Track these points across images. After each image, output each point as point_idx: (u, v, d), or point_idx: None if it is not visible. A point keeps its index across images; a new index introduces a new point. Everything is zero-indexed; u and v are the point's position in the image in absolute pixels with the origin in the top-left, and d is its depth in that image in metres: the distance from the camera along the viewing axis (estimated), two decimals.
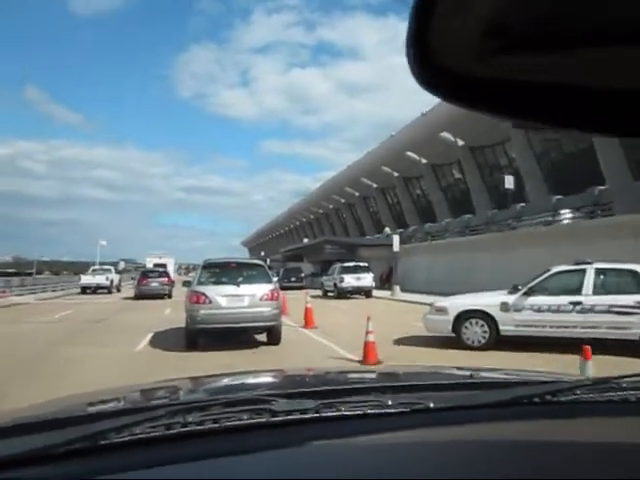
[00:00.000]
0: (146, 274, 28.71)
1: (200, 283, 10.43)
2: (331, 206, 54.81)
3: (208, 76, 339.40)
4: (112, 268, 36.74)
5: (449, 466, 0.92)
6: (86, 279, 33.10)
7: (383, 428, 1.04)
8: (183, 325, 10.43)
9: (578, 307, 8.79)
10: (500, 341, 9.27)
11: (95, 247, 51.60)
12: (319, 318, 13.62)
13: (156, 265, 36.47)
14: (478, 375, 1.66)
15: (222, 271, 10.82)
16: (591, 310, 8.70)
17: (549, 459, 0.92)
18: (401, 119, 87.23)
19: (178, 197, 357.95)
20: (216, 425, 0.99)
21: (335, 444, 0.99)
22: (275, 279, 12.68)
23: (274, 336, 10.39)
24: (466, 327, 9.56)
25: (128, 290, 32.64)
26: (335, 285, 26.66)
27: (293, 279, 36.07)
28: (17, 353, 9.77)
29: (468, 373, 1.68)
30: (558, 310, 8.90)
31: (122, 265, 56.16)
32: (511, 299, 9.33)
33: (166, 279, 28.31)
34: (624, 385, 1.25)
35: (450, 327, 9.68)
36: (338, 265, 27.57)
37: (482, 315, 9.48)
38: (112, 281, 33.34)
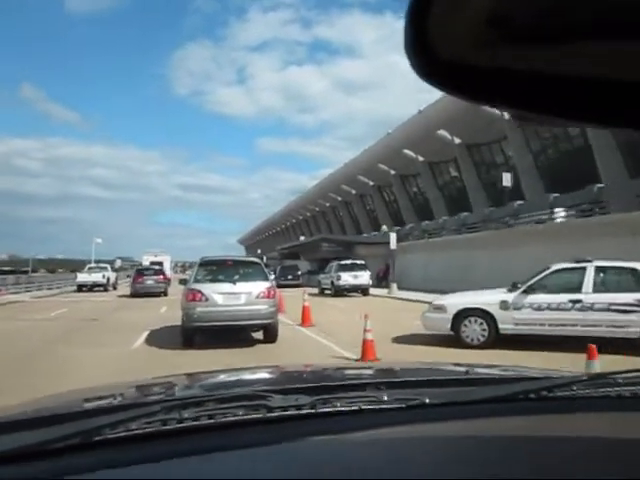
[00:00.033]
0: (142, 272, 28.67)
1: (197, 281, 10.39)
2: (328, 204, 54.84)
3: (204, 74, 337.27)
4: (108, 266, 36.67)
5: (445, 461, 0.92)
6: (82, 277, 33.11)
7: (379, 424, 1.03)
8: (179, 323, 10.37)
9: (578, 305, 8.75)
10: (499, 339, 9.23)
11: (91, 245, 51.46)
12: (316, 316, 13.58)
13: (152, 263, 36.35)
14: (474, 371, 1.65)
15: (219, 269, 10.81)
16: (591, 308, 8.67)
17: (545, 454, 0.92)
18: (398, 117, 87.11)
19: (175, 195, 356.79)
20: (212, 421, 0.99)
21: (331, 440, 0.99)
22: (272, 277, 12.64)
23: (270, 334, 10.35)
24: (465, 325, 9.50)
25: (124, 288, 32.69)
26: (332, 283, 26.69)
27: (290, 277, 36.07)
28: (12, 351, 9.71)
29: (464, 369, 1.67)
30: (558, 308, 8.86)
31: (118, 263, 56.16)
32: (510, 297, 9.27)
33: (162, 277, 28.38)
34: (619, 381, 1.25)
35: (449, 325, 9.62)
36: (335, 263, 27.60)
37: (481, 313, 9.42)
38: (108, 279, 33.34)
